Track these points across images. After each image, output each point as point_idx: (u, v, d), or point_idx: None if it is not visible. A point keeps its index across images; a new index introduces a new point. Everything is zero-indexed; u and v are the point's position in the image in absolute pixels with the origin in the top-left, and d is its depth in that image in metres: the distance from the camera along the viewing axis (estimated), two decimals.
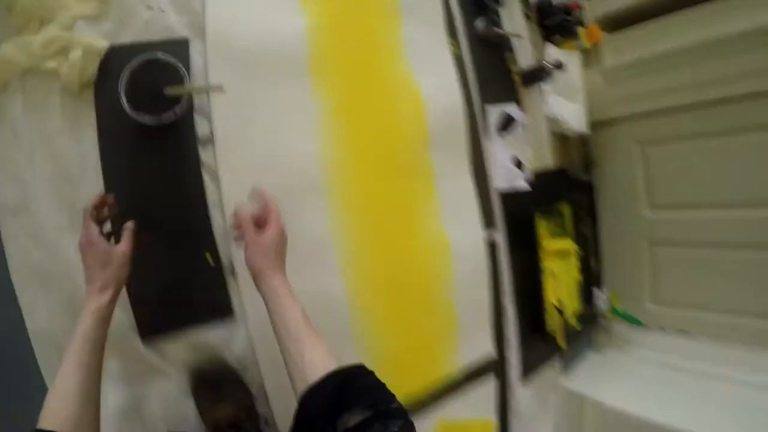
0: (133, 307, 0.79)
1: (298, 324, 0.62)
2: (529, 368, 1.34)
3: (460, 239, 1.13)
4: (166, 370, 0.81)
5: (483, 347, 1.22)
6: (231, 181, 0.86)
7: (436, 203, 1.11)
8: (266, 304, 0.67)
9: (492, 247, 1.21)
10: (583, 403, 1.46)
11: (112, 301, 0.67)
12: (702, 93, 1.38)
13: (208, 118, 0.87)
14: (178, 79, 0.82)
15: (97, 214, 0.70)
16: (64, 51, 0.76)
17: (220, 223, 0.86)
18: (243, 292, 0.86)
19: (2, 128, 0.77)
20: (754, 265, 1.37)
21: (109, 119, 0.80)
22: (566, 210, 1.48)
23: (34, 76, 0.77)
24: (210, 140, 0.86)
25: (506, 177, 1.28)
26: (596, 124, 1.63)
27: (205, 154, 0.86)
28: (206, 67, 0.88)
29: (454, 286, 1.12)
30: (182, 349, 0.83)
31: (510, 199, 1.28)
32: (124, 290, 0.73)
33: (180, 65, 0.82)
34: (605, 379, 1.51)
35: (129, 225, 0.72)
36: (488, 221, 1.22)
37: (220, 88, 0.84)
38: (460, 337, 1.15)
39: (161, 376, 0.81)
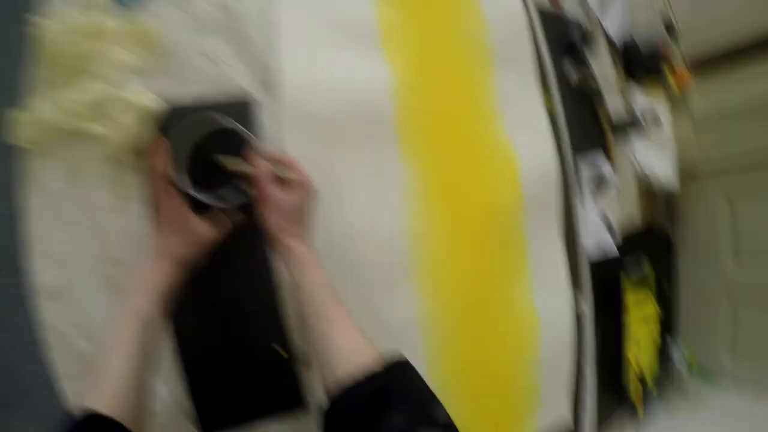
0: (194, 400, 0.70)
1: (326, 300, 0.55)
2: None
3: (549, 314, 1.10)
4: None
5: (561, 418, 1.19)
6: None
7: (528, 276, 1.08)
8: (287, 273, 0.59)
9: (579, 319, 1.17)
10: None
11: (177, 282, 0.60)
12: None
13: None
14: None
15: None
16: (112, 112, 0.64)
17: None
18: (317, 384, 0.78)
19: (42, 199, 0.65)
20: None
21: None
22: (650, 271, 1.42)
23: (79, 141, 0.65)
24: None
25: (597, 242, 1.24)
26: (683, 177, 1.56)
27: None
28: (280, 132, 0.76)
29: (539, 364, 1.09)
30: None
31: (598, 263, 1.24)
32: (183, 377, 0.67)
33: (251, 135, 0.66)
34: None
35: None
36: (576, 291, 1.18)
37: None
38: (542, 413, 1.12)
39: None
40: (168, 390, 0.69)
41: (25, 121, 0.62)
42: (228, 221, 0.65)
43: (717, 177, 1.53)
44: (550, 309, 1.11)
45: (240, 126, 0.65)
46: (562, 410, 1.19)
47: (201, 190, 0.61)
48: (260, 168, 0.60)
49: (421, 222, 0.92)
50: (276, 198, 0.59)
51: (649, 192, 1.51)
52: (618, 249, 1.27)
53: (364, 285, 0.85)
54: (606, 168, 1.27)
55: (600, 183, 1.27)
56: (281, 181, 0.61)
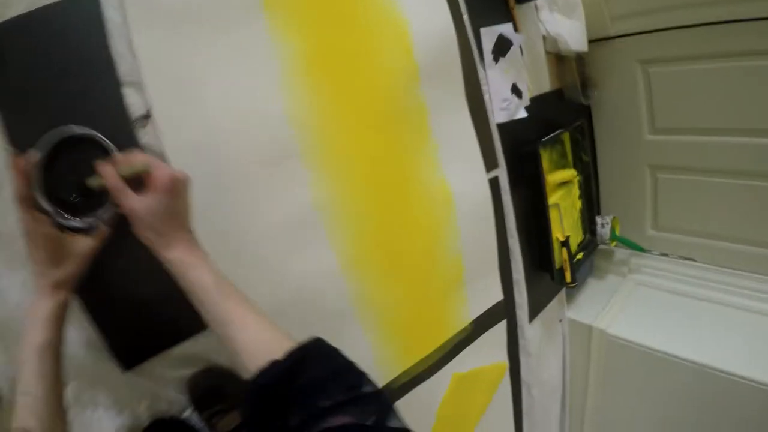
0: (107, 338, 0.67)
1: (219, 302, 0.50)
2: (536, 306, 1.31)
3: (461, 184, 1.04)
4: (159, 393, 0.74)
5: (492, 294, 1.17)
6: (185, 164, 0.64)
7: (433, 146, 1.00)
8: (180, 283, 0.53)
9: (495, 186, 1.12)
10: (589, 333, 1.44)
11: (67, 302, 0.55)
12: (711, 12, 1.25)
13: (141, 90, 0.66)
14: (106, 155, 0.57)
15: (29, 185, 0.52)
16: None
17: None
18: None
19: None
20: (756, 194, 1.32)
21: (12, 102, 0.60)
22: (566, 137, 1.39)
23: None
24: (147, 119, 0.67)
25: (506, 108, 1.17)
26: (594, 43, 1.50)
27: (145, 137, 0.67)
28: (126, 24, 0.65)
29: (459, 234, 1.04)
30: (171, 367, 0.74)
31: (509, 130, 1.17)
32: (88, 315, 0.65)
33: (108, 143, 0.56)
34: (609, 306, 1.49)
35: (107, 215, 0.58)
36: (490, 160, 1.11)
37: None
38: (468, 287, 1.09)
39: (155, 397, 0.74)
40: (78, 333, 0.66)
41: None
42: (105, 227, 0.58)
43: (629, 41, 1.48)
44: (462, 181, 1.04)
45: (94, 132, 0.56)
46: (494, 288, 1.16)
47: (67, 211, 0.54)
48: (108, 177, 0.52)
49: (302, 102, 0.81)
50: (134, 208, 0.51)
51: (559, 57, 1.44)
52: (527, 111, 1.20)
53: (253, 182, 0.76)
54: (509, 31, 1.18)
55: (504, 47, 1.18)
56: (140, 183, 0.53)
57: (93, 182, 0.54)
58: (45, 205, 0.52)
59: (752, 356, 1.19)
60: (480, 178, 1.08)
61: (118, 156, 0.55)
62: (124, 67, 0.66)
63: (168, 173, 0.52)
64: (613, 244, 1.53)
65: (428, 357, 1.03)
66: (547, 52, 1.40)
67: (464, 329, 1.09)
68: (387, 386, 0.96)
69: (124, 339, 0.69)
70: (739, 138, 1.32)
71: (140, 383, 0.72)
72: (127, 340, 0.69)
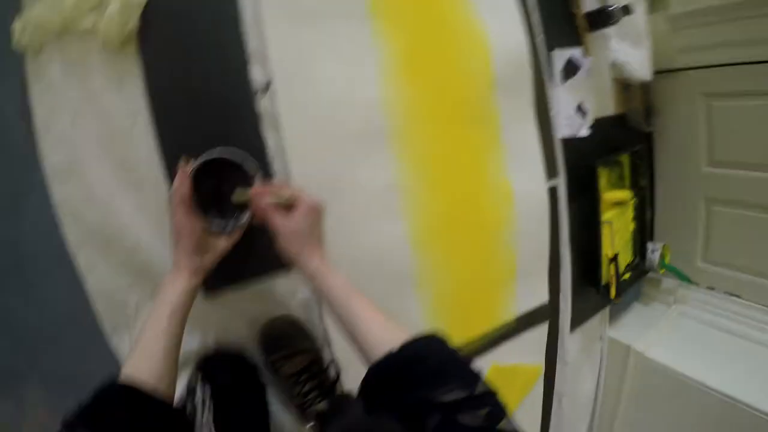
0: None
1: (350, 303, 0.60)
2: (579, 317, 1.35)
3: (523, 187, 1.12)
4: (230, 325, 0.82)
5: (539, 295, 1.23)
6: (294, 128, 0.82)
7: (501, 150, 1.09)
8: (312, 288, 0.68)
9: (553, 195, 1.19)
10: (627, 354, 1.47)
11: (198, 285, 0.67)
12: None
13: (264, 63, 0.80)
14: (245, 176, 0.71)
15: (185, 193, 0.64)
16: (99, 6, 0.68)
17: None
18: None
19: (43, 91, 0.71)
20: None
21: (156, 72, 0.73)
22: (625, 159, 1.44)
23: (71, 36, 0.69)
24: (267, 88, 0.80)
25: (569, 124, 1.25)
26: (660, 73, 1.55)
27: (264, 103, 0.81)
28: (258, 10, 0.79)
29: (515, 233, 1.12)
30: (248, 301, 0.82)
31: (572, 147, 1.25)
32: None
33: (254, 165, 0.71)
34: (650, 331, 1.51)
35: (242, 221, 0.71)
36: (551, 169, 1.19)
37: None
38: (518, 284, 1.15)
39: (225, 328, 0.82)
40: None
41: (22, 26, 0.67)
42: (238, 232, 0.72)
43: (694, 74, 1.52)
44: (524, 184, 1.12)
45: (247, 159, 0.70)
46: (541, 290, 1.23)
47: (213, 217, 0.70)
48: (260, 201, 0.65)
49: (395, 93, 0.94)
50: (281, 225, 0.64)
51: (625, 84, 1.51)
52: (591, 132, 1.27)
53: (348, 152, 0.89)
54: (578, 55, 1.26)
55: (572, 69, 1.26)
56: (286, 207, 0.66)
57: (239, 198, 0.68)
58: (198, 208, 0.66)
59: None
60: (540, 184, 1.16)
61: (271, 185, 0.70)
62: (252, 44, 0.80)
63: (311, 201, 0.65)
64: (662, 271, 1.56)
65: (473, 341, 1.10)
66: (614, 79, 1.47)
67: (509, 323, 1.16)
68: None
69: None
70: None
71: (215, 311, 0.79)
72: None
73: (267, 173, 0.79)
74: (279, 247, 0.65)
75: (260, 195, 0.66)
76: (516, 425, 0.44)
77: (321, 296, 0.64)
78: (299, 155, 0.83)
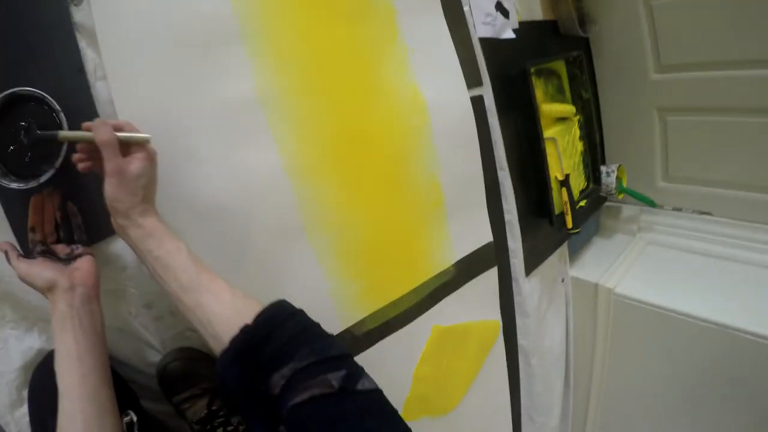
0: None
1: (188, 269, 0.50)
2: (534, 258, 1.14)
3: (437, 95, 0.88)
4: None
5: (480, 234, 1.00)
6: (113, 47, 0.59)
7: (402, 49, 0.85)
8: (140, 252, 0.52)
9: (479, 107, 0.96)
10: (595, 293, 1.28)
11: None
12: None
13: None
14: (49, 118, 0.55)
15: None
16: None
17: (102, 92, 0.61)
18: None
19: None
20: None
21: None
22: (562, 69, 1.23)
23: None
24: None
25: (489, 23, 1.02)
26: None
27: (79, 15, 0.59)
28: None
29: (435, 156, 0.88)
30: None
31: (496, 52, 1.02)
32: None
33: (53, 102, 0.55)
34: (617, 265, 1.33)
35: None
36: (472, 76, 0.96)
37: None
38: (450, 221, 0.93)
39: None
40: None
41: None
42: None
43: None
44: (438, 92, 0.88)
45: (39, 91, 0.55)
46: (482, 227, 1.00)
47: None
48: (105, 134, 0.50)
49: None
50: (123, 172, 0.50)
51: None
52: (516, 35, 1.06)
53: (187, 62, 0.64)
54: None
55: None
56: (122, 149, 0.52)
57: (66, 135, 0.53)
58: None
59: None
60: (460, 92, 0.92)
61: (122, 121, 0.54)
62: None
63: (152, 147, 0.54)
64: (621, 196, 1.37)
65: (401, 300, 0.86)
66: None
67: (446, 271, 0.93)
68: (349, 331, 0.79)
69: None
70: (759, 70, 1.15)
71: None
72: None
73: (84, 107, 0.60)
74: (108, 197, 0.51)
75: (101, 129, 0.50)
76: (375, 384, 0.43)
77: (153, 265, 0.51)
78: (122, 77, 0.60)
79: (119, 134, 0.52)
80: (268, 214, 0.69)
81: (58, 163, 0.55)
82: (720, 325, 1.07)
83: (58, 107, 0.55)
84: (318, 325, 0.48)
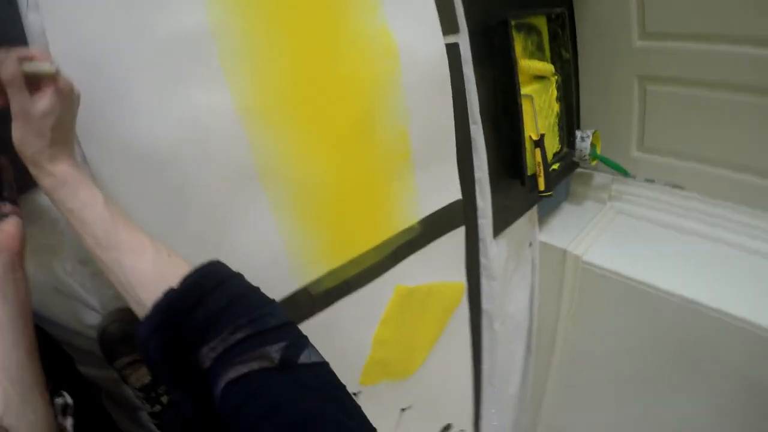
0: None
1: (105, 223, 0.44)
2: (503, 219, 1.11)
3: (409, 39, 0.81)
4: None
5: (448, 191, 0.96)
6: None
7: None
8: (55, 204, 0.46)
9: (454, 54, 0.90)
10: (563, 259, 1.26)
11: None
12: None
13: None
14: None
15: None
16: None
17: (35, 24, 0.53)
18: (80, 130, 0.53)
19: None
20: (762, 114, 1.13)
21: None
22: (543, 25, 1.18)
23: None
24: None
25: None
26: None
27: None
28: None
29: (404, 105, 0.82)
30: None
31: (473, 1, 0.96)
32: None
33: None
34: (586, 232, 1.31)
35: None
36: (448, 22, 0.90)
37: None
38: (417, 174, 0.88)
39: None
40: None
41: None
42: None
43: None
44: (411, 36, 0.82)
45: None
46: (451, 183, 0.96)
47: None
48: (10, 66, 0.42)
49: None
50: (28, 112, 0.43)
51: None
52: None
53: None
54: None
55: None
56: (31, 85, 0.44)
57: None
58: None
59: (741, 294, 1.04)
60: (434, 37, 0.86)
61: (32, 51, 0.45)
62: None
63: (67, 81, 0.45)
64: (594, 162, 1.34)
65: (362, 257, 0.82)
66: None
67: (411, 228, 0.89)
68: (306, 290, 0.75)
69: None
70: (746, 47, 1.11)
71: None
72: None
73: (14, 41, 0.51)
74: (15, 141, 0.44)
75: (5, 63, 0.42)
76: (320, 356, 0.40)
77: (68, 219, 0.45)
78: (56, 5, 0.52)
79: (26, 65, 0.43)
80: (215, 157, 0.63)
81: None
82: (685, 300, 1.07)
83: None
84: (257, 290, 0.44)
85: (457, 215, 0.99)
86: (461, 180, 0.97)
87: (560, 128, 1.25)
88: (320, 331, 0.78)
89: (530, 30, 1.14)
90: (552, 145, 1.22)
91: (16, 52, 0.43)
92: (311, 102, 0.71)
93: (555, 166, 1.19)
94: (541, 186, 1.10)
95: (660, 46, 1.27)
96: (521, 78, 1.05)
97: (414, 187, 0.88)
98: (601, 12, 1.35)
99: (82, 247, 0.45)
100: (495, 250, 1.11)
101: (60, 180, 0.45)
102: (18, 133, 0.44)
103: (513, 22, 1.00)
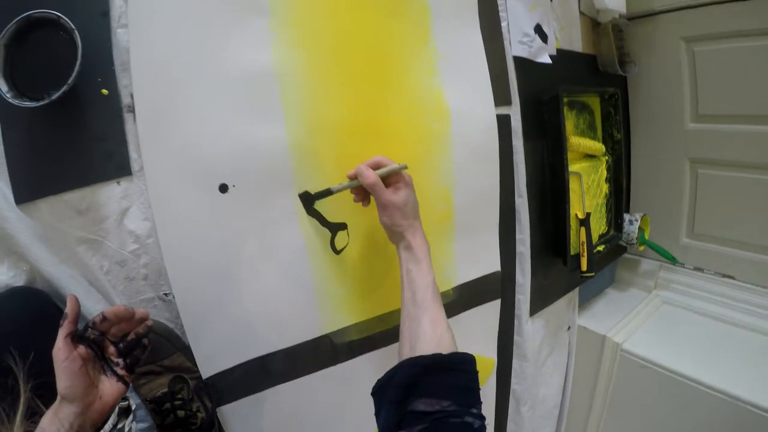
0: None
1: (427, 292, 0.59)
2: (542, 297, 1.06)
3: (462, 104, 0.83)
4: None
5: (487, 261, 0.93)
6: None
7: (432, 50, 0.80)
8: (401, 261, 0.62)
9: (505, 125, 0.90)
10: (602, 346, 1.19)
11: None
12: None
13: None
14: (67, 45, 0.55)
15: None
16: None
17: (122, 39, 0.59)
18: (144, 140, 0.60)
19: None
20: None
21: None
22: (596, 105, 1.17)
23: None
24: None
25: (527, 43, 0.97)
26: (636, 18, 1.32)
27: None
28: None
29: (450, 166, 0.82)
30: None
31: (529, 74, 0.97)
32: None
33: (66, 20, 0.54)
34: (629, 320, 1.24)
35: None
36: (502, 94, 0.90)
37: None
38: (456, 239, 0.86)
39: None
40: None
41: None
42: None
43: (672, 15, 1.28)
44: (464, 102, 0.83)
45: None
46: (491, 254, 0.93)
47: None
48: (370, 177, 0.62)
49: None
50: (392, 201, 0.62)
51: (595, 24, 1.25)
52: (553, 61, 1.00)
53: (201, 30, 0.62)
54: None
55: None
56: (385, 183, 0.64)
57: (338, 188, 0.66)
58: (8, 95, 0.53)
59: None
60: (486, 106, 0.87)
61: (377, 157, 0.65)
62: None
63: (408, 175, 0.66)
64: (641, 247, 1.29)
65: (390, 315, 0.80)
66: (582, 14, 1.21)
67: (444, 293, 0.86)
68: (329, 337, 0.73)
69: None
70: None
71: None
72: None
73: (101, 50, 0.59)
74: (384, 224, 0.64)
75: (365, 173, 0.63)
76: None
77: (402, 270, 0.62)
78: (144, 28, 0.59)
79: (379, 171, 0.63)
80: (262, 190, 0.65)
81: (71, 80, 0.54)
82: (727, 395, 0.98)
83: (72, 26, 0.54)
84: (479, 389, 0.52)
85: (494, 287, 0.95)
86: (502, 252, 0.94)
87: (608, 210, 1.21)
88: (342, 380, 0.76)
89: (583, 108, 1.13)
90: (599, 226, 1.18)
91: (367, 164, 0.63)
92: (359, 148, 0.72)
93: (600, 248, 1.15)
94: (584, 267, 1.05)
95: (712, 128, 1.25)
96: (571, 155, 1.04)
97: (452, 251, 0.86)
98: (654, 94, 1.34)
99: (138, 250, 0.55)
100: (530, 329, 1.05)
101: (413, 247, 0.62)
102: (388, 219, 0.63)
103: (565, 99, 1.00)
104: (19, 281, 0.60)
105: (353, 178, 0.64)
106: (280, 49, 0.65)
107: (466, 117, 0.83)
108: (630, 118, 1.38)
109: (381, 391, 0.52)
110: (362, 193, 0.66)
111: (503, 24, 0.93)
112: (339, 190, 0.66)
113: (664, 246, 1.32)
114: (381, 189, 0.62)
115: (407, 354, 0.54)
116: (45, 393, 0.46)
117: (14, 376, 0.47)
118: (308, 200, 0.68)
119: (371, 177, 0.62)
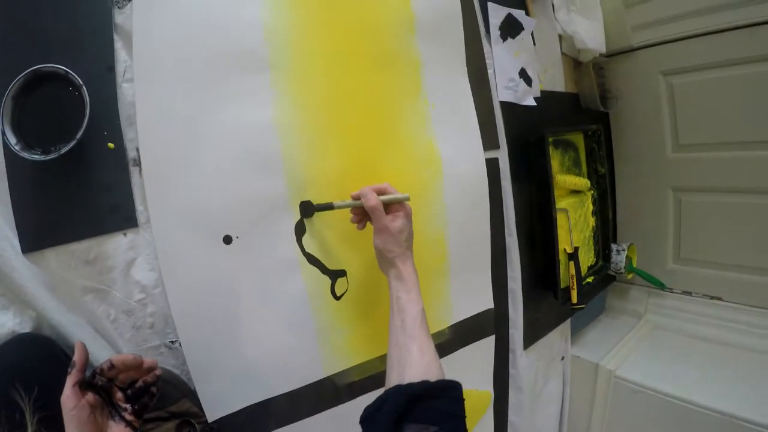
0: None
1: (416, 320, 0.60)
2: (534, 330, 1.09)
3: (452, 152, 0.87)
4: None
5: (481, 299, 0.96)
6: (146, 54, 0.63)
7: (423, 101, 0.85)
8: (391, 289, 0.64)
9: (493, 169, 0.95)
10: (595, 374, 1.21)
11: None
12: (732, 15, 1.15)
13: None
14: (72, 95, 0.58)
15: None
16: None
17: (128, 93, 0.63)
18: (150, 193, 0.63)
19: None
20: None
21: None
22: (580, 142, 1.22)
23: None
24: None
25: (512, 88, 1.02)
26: (615, 55, 1.39)
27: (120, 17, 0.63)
28: None
29: (443, 211, 0.86)
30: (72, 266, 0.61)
31: (516, 115, 1.02)
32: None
33: (74, 76, 0.57)
34: (621, 347, 1.27)
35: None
36: (490, 138, 0.95)
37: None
38: (451, 280, 0.89)
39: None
40: None
41: None
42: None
43: (650, 50, 1.35)
44: (454, 149, 0.88)
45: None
46: (483, 293, 0.97)
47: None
48: (372, 200, 0.65)
49: (282, 21, 0.71)
50: (388, 227, 0.65)
51: (577, 63, 1.32)
52: (537, 103, 1.06)
53: (212, 83, 0.67)
54: (520, 15, 1.05)
55: (513, 28, 1.05)
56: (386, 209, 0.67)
57: (339, 204, 0.69)
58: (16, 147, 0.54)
59: None
60: (475, 152, 0.91)
61: (383, 185, 0.68)
62: None
63: (409, 205, 0.69)
64: (630, 275, 1.33)
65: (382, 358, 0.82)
66: (564, 54, 1.27)
67: (440, 332, 0.89)
68: (331, 379, 0.76)
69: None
70: None
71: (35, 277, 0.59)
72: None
73: (107, 104, 0.62)
74: (377, 248, 0.66)
75: (369, 196, 0.66)
76: None
77: (391, 299, 0.63)
78: (148, 83, 0.63)
79: (383, 197, 0.66)
80: (266, 241, 0.69)
81: (80, 134, 0.56)
82: (722, 414, 1.01)
83: (80, 81, 0.56)
84: (465, 418, 0.53)
85: (488, 324, 0.98)
86: (494, 289, 0.97)
87: (596, 241, 1.26)
88: (343, 419, 0.78)
89: (567, 146, 1.19)
90: (587, 258, 1.22)
91: (372, 188, 0.66)
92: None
93: (590, 279, 1.19)
94: (574, 299, 1.09)
95: (693, 157, 1.31)
96: (558, 192, 1.08)
97: (447, 291, 0.89)
98: (636, 127, 1.41)
99: (145, 300, 0.58)
100: (525, 362, 1.08)
101: (404, 276, 0.63)
102: (381, 243, 0.65)
103: (550, 139, 1.05)
104: (26, 328, 0.60)
105: (356, 198, 0.67)
106: (280, 104, 0.69)
107: (456, 163, 0.87)
108: (613, 152, 1.43)
109: (370, 419, 0.52)
110: (361, 214, 0.69)
111: (489, 71, 0.99)
112: (340, 207, 0.69)
113: (651, 272, 1.36)
114: (381, 213, 0.65)
115: (396, 380, 0.54)
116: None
117: (21, 411, 0.49)
118: (308, 209, 0.71)
119: (373, 200, 0.65)
